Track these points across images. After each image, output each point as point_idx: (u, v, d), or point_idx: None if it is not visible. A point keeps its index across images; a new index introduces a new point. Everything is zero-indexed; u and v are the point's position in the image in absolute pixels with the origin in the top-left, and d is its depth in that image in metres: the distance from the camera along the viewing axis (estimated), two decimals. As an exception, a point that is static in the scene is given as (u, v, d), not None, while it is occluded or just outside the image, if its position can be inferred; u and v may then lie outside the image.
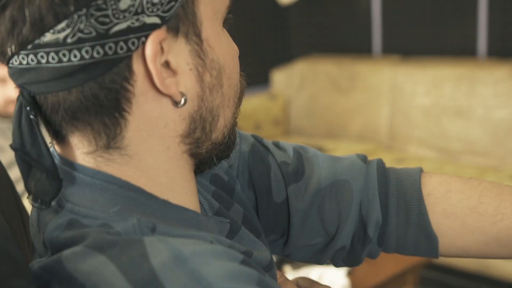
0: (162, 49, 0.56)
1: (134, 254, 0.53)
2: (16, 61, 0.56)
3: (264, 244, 0.76)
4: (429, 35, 4.07)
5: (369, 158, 0.86)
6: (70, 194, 0.59)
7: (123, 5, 0.54)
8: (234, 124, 0.67)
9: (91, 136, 0.58)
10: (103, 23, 0.53)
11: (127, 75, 0.56)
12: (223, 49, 0.63)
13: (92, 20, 0.53)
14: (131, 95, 0.57)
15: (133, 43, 0.55)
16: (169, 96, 0.58)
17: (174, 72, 0.58)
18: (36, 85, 0.56)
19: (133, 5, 0.54)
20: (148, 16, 0.55)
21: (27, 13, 0.53)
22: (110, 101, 0.56)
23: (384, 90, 4.02)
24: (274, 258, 2.49)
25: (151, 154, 0.60)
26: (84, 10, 0.53)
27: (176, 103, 0.59)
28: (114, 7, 0.53)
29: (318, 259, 0.84)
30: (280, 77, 4.53)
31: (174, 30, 0.57)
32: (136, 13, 0.54)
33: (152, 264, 0.52)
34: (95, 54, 0.54)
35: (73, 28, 0.53)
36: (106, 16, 0.53)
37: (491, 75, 3.56)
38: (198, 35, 0.59)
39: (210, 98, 0.62)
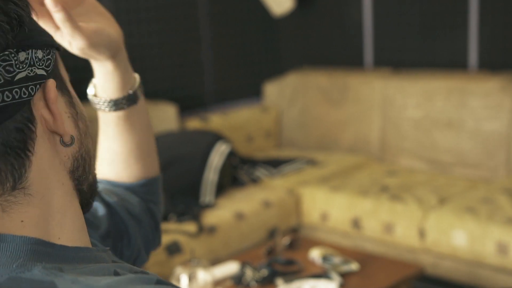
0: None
1: None
2: None
3: None
4: (420, 48, 4.09)
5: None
6: None
7: (21, 57, 0.63)
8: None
9: None
10: (8, 72, 0.61)
11: (30, 117, 0.64)
12: (82, 108, 0.74)
13: (0, 69, 0.61)
14: (34, 135, 0.64)
15: (31, 89, 0.64)
16: (60, 137, 0.67)
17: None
18: None
19: (27, 58, 0.64)
20: (38, 68, 0.65)
21: None
22: (19, 142, 0.62)
23: (375, 102, 4.03)
24: (266, 271, 2.48)
25: (50, 190, 0.67)
26: None
27: (64, 144, 0.68)
28: (15, 58, 0.62)
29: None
30: (272, 90, 4.54)
31: None
32: (30, 65, 0.64)
33: None
34: (5, 98, 0.61)
35: None
36: (11, 65, 0.62)
37: (482, 87, 3.58)
38: (67, 90, 0.71)
39: (85, 142, 0.72)
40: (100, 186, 0.99)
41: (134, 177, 1.05)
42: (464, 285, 2.99)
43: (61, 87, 0.69)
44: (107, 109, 0.99)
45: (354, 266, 2.50)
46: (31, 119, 0.64)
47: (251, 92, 4.65)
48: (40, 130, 0.65)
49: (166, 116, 3.80)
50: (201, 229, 3.09)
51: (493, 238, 2.84)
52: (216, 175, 3.43)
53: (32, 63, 0.64)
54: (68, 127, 0.68)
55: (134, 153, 1.04)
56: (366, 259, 2.60)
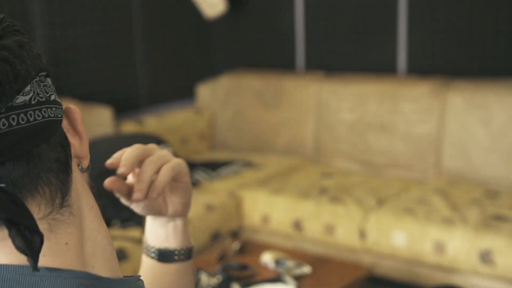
0: None
1: None
2: None
3: None
4: (350, 53, 4.21)
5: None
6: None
7: (49, 82, 0.64)
8: None
9: (49, 195, 0.62)
10: (46, 91, 0.63)
11: (65, 136, 0.65)
12: None
13: (42, 86, 0.62)
14: (71, 153, 0.65)
15: (61, 110, 0.65)
16: (79, 162, 0.68)
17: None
18: (1, 153, 0.58)
19: (51, 84, 0.65)
20: (53, 94, 0.65)
21: (4, 78, 0.58)
22: (66, 156, 0.64)
23: (310, 105, 4.13)
24: (221, 277, 2.51)
25: (83, 213, 0.66)
26: (37, 78, 0.62)
27: (82, 169, 0.68)
28: (46, 82, 0.63)
29: None
30: (205, 91, 4.56)
31: None
32: (54, 90, 0.65)
33: None
34: (50, 114, 0.62)
35: (34, 91, 0.61)
36: (46, 85, 0.63)
37: (412, 92, 3.74)
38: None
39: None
40: None
41: None
42: (403, 283, 3.13)
43: None
44: (156, 257, 0.97)
45: (306, 269, 2.57)
46: (66, 137, 0.65)
47: (185, 94, 4.65)
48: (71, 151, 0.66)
49: (101, 120, 3.74)
50: (147, 235, 3.08)
51: (431, 238, 2.99)
52: (158, 180, 3.41)
53: (53, 89, 0.65)
54: None
55: None
56: (316, 261, 2.68)
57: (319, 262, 2.68)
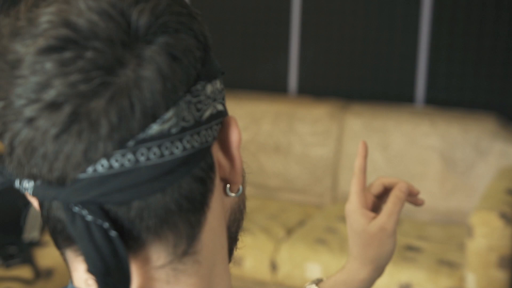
0: None
1: None
2: (102, 166, 0.46)
3: None
4: (240, 70, 4.04)
5: None
6: None
7: (208, 90, 0.51)
8: None
9: (172, 242, 0.50)
10: (198, 110, 0.50)
11: (212, 164, 0.51)
12: None
13: (192, 106, 0.49)
14: (213, 186, 0.52)
15: (215, 130, 0.52)
16: (226, 184, 0.54)
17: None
18: (120, 193, 0.46)
19: (213, 91, 0.51)
20: (218, 102, 0.52)
21: (136, 101, 0.45)
22: (201, 194, 0.50)
23: (197, 122, 3.89)
24: None
25: (214, 256, 0.53)
26: (188, 96, 0.48)
27: (229, 193, 0.55)
28: (204, 92, 0.50)
29: None
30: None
31: None
32: (214, 100, 0.51)
33: None
34: (194, 143, 0.49)
35: (178, 116, 0.48)
36: (200, 102, 0.50)
37: (310, 113, 3.64)
38: None
39: (245, 188, 0.60)
40: None
41: None
42: None
43: None
44: None
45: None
46: (212, 166, 0.51)
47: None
48: (217, 179, 0.52)
49: None
50: (38, 274, 2.67)
51: (348, 270, 2.89)
52: (43, 207, 2.99)
53: (214, 97, 0.52)
54: None
55: None
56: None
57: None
